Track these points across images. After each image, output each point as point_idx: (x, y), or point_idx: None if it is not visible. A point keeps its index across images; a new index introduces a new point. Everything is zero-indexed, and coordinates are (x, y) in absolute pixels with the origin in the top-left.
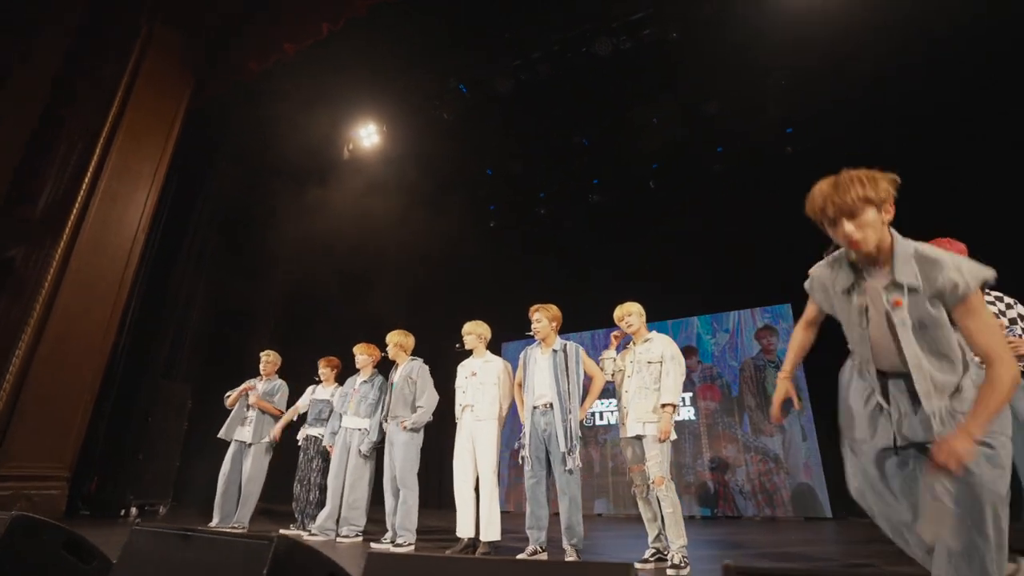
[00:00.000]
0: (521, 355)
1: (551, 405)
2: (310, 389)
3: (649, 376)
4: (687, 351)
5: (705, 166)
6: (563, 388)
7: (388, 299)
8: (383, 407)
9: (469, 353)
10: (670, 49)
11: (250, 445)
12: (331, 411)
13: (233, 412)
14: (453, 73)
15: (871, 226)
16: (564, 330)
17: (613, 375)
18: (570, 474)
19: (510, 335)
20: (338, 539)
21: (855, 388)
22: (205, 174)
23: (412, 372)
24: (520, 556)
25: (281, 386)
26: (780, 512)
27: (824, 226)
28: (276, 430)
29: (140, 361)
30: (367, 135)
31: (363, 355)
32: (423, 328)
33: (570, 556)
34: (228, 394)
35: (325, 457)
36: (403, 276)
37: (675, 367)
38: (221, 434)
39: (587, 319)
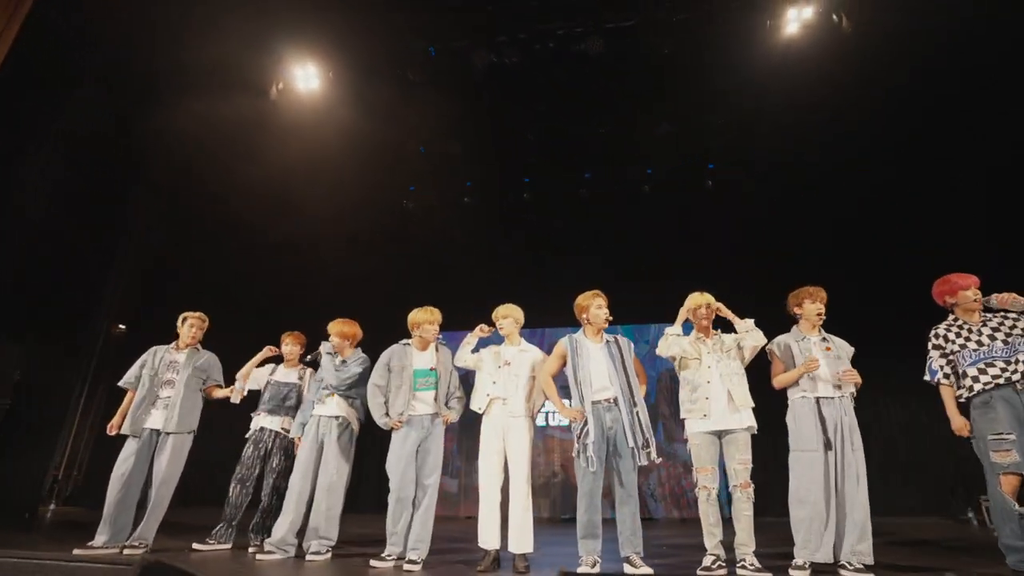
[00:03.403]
0: (564, 342)
1: (615, 400)
2: (268, 368)
3: (731, 367)
4: None
5: (634, 184)
6: (623, 381)
7: (297, 272)
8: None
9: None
10: (643, 65)
11: (168, 435)
12: (298, 398)
13: (138, 396)
14: (424, 34)
15: None
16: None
17: (679, 362)
18: (633, 473)
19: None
20: (308, 557)
21: None
22: (69, 74)
23: (448, 361)
24: (583, 570)
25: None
26: (687, 513)
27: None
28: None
29: None
30: (304, 77)
31: (338, 337)
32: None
33: (637, 565)
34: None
35: (288, 455)
36: (321, 247)
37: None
38: (125, 428)
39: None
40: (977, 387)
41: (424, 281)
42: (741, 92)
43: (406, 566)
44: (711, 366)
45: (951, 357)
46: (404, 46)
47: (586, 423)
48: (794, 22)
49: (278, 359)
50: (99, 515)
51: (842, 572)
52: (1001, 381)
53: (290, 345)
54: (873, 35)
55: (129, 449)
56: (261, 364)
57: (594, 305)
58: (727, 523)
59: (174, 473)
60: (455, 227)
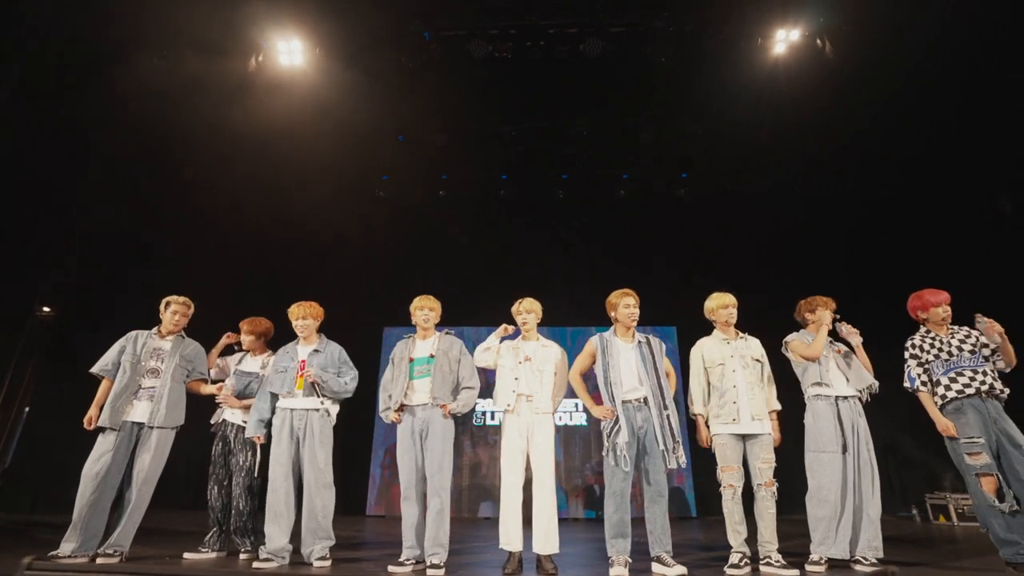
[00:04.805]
0: (595, 341)
1: (645, 400)
2: (235, 358)
3: (755, 373)
4: None
5: (610, 188)
6: (654, 382)
7: (270, 258)
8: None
9: None
10: (639, 70)
11: (152, 429)
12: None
13: (118, 385)
14: (420, 17)
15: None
16: (450, 324)
17: (708, 368)
18: (662, 474)
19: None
20: (316, 562)
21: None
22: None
23: (452, 348)
24: (615, 573)
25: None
26: None
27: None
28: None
29: None
30: (287, 51)
31: (311, 319)
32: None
33: (669, 564)
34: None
35: (254, 450)
36: (298, 232)
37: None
38: (103, 421)
39: (479, 316)
40: (950, 395)
41: (396, 273)
42: (729, 103)
43: (429, 571)
44: (735, 370)
45: (926, 366)
46: (400, 28)
47: (617, 422)
48: (782, 42)
49: (239, 348)
50: (23, 520)
51: (856, 567)
52: (971, 390)
53: (244, 334)
54: (852, 58)
55: (106, 444)
56: (227, 352)
57: (622, 304)
58: (681, 521)
59: (156, 471)
60: (430, 220)
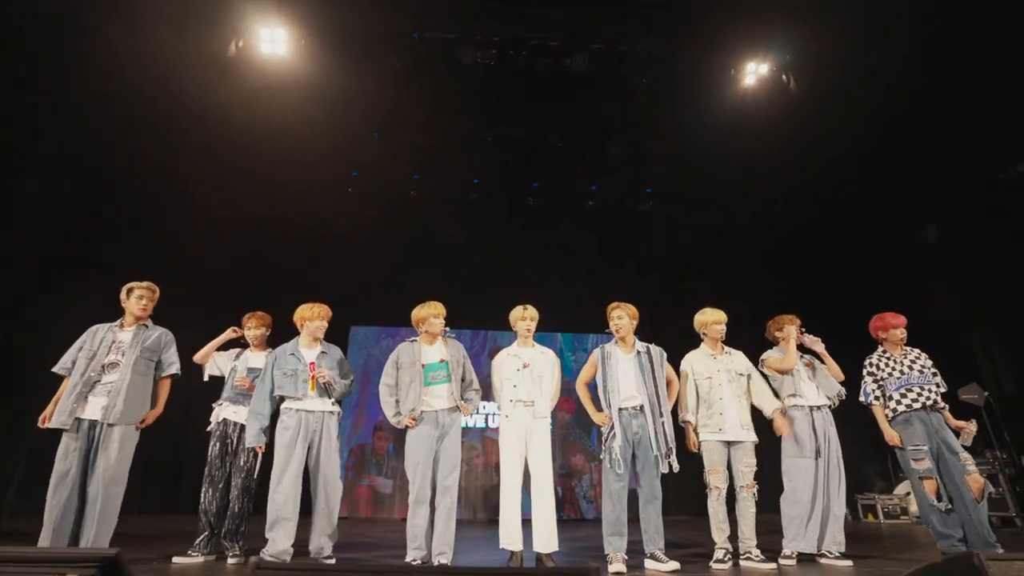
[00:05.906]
0: (596, 352)
1: (641, 408)
2: (233, 353)
3: (740, 387)
4: None
5: (578, 199)
6: (651, 391)
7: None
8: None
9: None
10: (615, 86)
11: (112, 426)
12: None
13: (71, 382)
14: (416, 15)
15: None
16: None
17: (696, 381)
18: (656, 478)
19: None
20: (326, 560)
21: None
22: None
23: (459, 352)
24: (615, 569)
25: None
26: None
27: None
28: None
29: None
30: (270, 39)
31: (322, 320)
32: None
33: (664, 560)
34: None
35: (256, 453)
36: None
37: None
38: (54, 421)
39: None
40: (900, 408)
41: (363, 272)
42: (699, 127)
43: None
44: (722, 384)
45: (881, 383)
46: (393, 27)
47: (613, 427)
48: (752, 75)
49: (243, 344)
50: None
51: (822, 560)
52: (917, 405)
53: (253, 329)
54: (818, 90)
55: (66, 444)
56: (223, 348)
57: (613, 316)
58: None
59: (123, 471)
60: (402, 220)
